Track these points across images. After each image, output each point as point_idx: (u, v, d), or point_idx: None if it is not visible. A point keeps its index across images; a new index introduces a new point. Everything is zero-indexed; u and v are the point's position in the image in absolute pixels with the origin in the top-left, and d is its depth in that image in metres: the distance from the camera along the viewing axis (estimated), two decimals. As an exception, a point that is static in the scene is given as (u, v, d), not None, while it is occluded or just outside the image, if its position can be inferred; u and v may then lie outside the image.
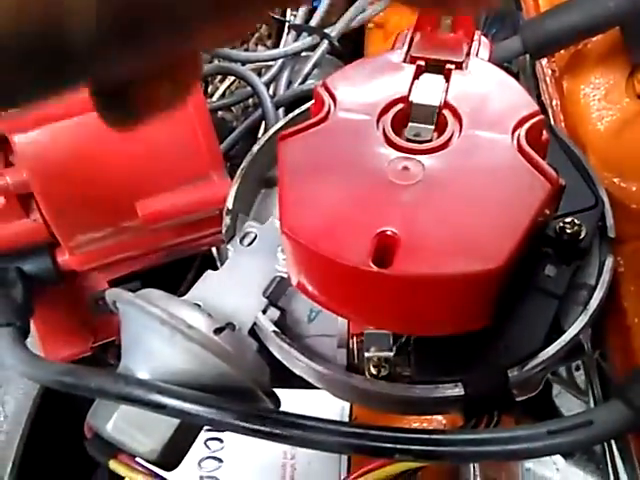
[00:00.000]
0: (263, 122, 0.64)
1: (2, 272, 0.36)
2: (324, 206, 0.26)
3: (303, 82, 0.67)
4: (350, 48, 0.77)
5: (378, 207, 0.26)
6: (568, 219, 0.31)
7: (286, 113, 0.65)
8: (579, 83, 0.42)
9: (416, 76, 0.30)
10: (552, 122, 0.44)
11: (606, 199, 0.33)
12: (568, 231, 0.31)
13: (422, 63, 0.31)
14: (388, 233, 0.24)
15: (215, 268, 0.44)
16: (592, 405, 0.46)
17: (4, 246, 0.36)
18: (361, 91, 0.30)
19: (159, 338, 0.28)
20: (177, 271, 0.51)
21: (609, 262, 0.32)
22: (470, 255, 0.24)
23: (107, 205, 0.38)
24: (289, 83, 0.68)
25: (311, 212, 0.26)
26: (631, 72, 0.40)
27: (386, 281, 0.24)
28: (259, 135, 0.66)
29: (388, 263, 0.24)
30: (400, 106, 0.29)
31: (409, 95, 0.30)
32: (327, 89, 0.30)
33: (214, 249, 0.51)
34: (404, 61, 0.31)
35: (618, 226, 0.35)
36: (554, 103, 0.45)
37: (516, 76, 0.52)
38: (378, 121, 0.29)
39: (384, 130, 0.28)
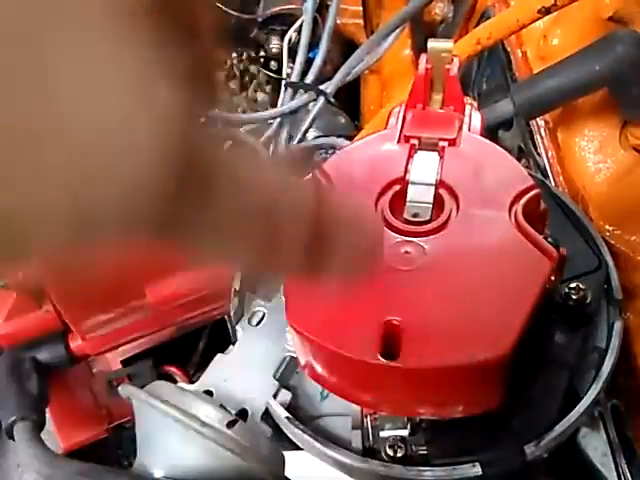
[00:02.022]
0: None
1: (17, 364, 0.37)
2: (329, 296, 0.26)
3: (302, 138, 0.68)
4: (346, 93, 0.79)
5: (382, 296, 0.26)
6: (573, 284, 0.31)
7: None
8: (573, 135, 0.43)
9: (410, 155, 0.31)
10: (550, 174, 0.45)
11: (610, 260, 0.33)
12: (574, 297, 0.31)
13: (415, 142, 0.31)
14: (394, 322, 0.25)
15: (226, 335, 0.44)
16: (609, 449, 0.45)
17: (19, 339, 0.37)
18: (358, 173, 0.31)
19: (173, 435, 0.28)
20: (188, 340, 0.51)
21: (618, 325, 0.32)
22: (476, 343, 0.24)
23: (116, 287, 0.39)
24: (289, 138, 0.70)
25: (316, 303, 0.26)
26: (623, 124, 0.40)
27: (394, 373, 0.24)
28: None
29: (396, 355, 0.24)
30: (397, 187, 0.30)
31: (405, 175, 0.30)
32: (324, 174, 0.31)
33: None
34: (398, 141, 0.32)
35: (626, 279, 0.35)
36: (550, 155, 0.46)
37: (510, 124, 0.53)
38: (376, 203, 0.29)
39: (383, 213, 0.29)
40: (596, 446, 0.56)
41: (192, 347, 0.52)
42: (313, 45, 0.74)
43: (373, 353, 0.24)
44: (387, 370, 0.24)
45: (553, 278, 0.30)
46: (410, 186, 0.30)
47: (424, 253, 0.27)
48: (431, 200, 0.29)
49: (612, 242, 0.38)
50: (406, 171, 0.30)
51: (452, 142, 0.31)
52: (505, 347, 0.23)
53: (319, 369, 0.27)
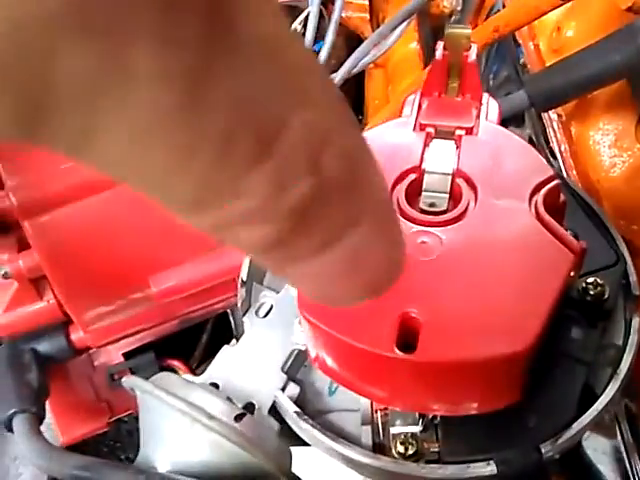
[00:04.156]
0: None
1: (17, 355, 0.36)
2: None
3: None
4: (350, 87, 0.78)
5: (398, 286, 0.25)
6: (590, 279, 0.31)
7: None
8: (587, 129, 0.42)
9: (426, 144, 0.30)
10: (563, 168, 0.44)
11: (627, 255, 0.33)
12: (591, 292, 0.30)
13: (432, 130, 0.30)
14: (412, 315, 0.24)
15: (229, 329, 0.43)
16: (622, 448, 0.45)
17: (20, 330, 0.36)
18: (372, 162, 0.30)
19: (179, 429, 0.27)
20: (191, 334, 0.50)
21: (635, 322, 0.31)
22: (496, 337, 0.23)
23: (119, 279, 0.38)
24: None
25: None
26: (639, 118, 0.39)
27: (411, 366, 0.23)
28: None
29: (412, 347, 0.23)
30: (413, 176, 0.29)
31: (421, 164, 0.29)
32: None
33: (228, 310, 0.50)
34: (413, 129, 0.31)
35: (641, 276, 0.34)
36: (563, 148, 0.45)
37: (522, 119, 0.52)
38: (392, 193, 0.28)
39: (398, 202, 0.28)
40: (596, 447, 0.56)
41: (195, 340, 0.51)
42: (318, 38, 0.73)
43: (389, 345, 0.23)
44: (404, 363, 0.23)
45: (573, 272, 0.29)
46: (426, 175, 0.29)
47: (441, 244, 0.26)
48: (448, 190, 0.28)
49: (627, 237, 0.37)
50: (422, 160, 0.29)
51: (469, 131, 0.30)
52: (527, 341, 0.22)
53: (331, 362, 0.26)
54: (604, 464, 0.45)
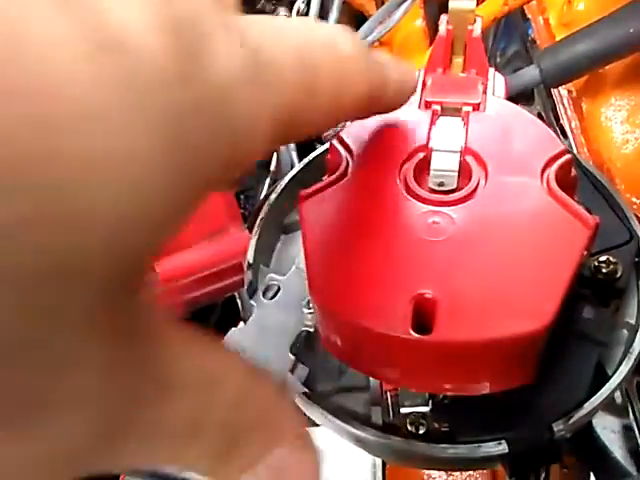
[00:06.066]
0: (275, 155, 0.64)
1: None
2: (354, 270, 0.25)
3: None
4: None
5: (411, 268, 0.25)
6: (603, 257, 0.30)
7: (297, 147, 0.64)
8: (599, 105, 0.41)
9: (433, 122, 0.29)
10: (573, 145, 0.43)
11: (640, 232, 0.32)
12: (604, 270, 0.30)
13: (437, 107, 0.30)
14: (426, 296, 0.23)
15: (237, 311, 0.43)
16: (635, 426, 0.44)
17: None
18: (378, 142, 0.29)
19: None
20: (199, 317, 0.50)
21: (650, 300, 0.30)
22: (513, 315, 0.23)
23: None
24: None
25: (341, 278, 0.25)
26: (653, 92, 0.38)
27: (427, 348, 0.23)
28: (271, 168, 0.66)
29: (428, 329, 0.23)
30: (420, 155, 0.28)
31: (428, 142, 0.29)
32: (343, 143, 0.29)
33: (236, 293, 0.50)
34: (418, 107, 0.30)
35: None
36: (573, 125, 0.44)
37: (531, 96, 0.51)
38: (399, 173, 0.28)
39: (407, 182, 0.28)
40: (605, 425, 0.56)
41: (203, 323, 0.51)
42: (322, 17, 0.72)
43: (405, 328, 0.23)
44: (420, 345, 0.23)
45: (586, 254, 0.29)
46: (434, 154, 0.28)
47: (453, 223, 0.25)
48: (456, 168, 0.28)
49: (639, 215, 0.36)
50: (429, 138, 0.29)
51: (476, 107, 0.29)
52: (546, 318, 0.22)
53: (342, 344, 0.26)
54: (613, 442, 0.45)
